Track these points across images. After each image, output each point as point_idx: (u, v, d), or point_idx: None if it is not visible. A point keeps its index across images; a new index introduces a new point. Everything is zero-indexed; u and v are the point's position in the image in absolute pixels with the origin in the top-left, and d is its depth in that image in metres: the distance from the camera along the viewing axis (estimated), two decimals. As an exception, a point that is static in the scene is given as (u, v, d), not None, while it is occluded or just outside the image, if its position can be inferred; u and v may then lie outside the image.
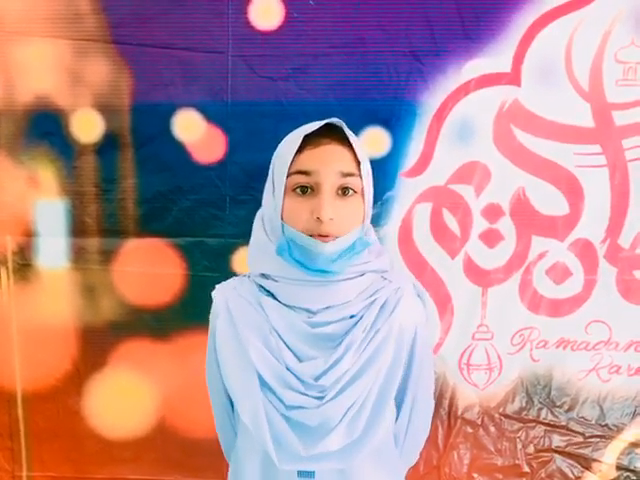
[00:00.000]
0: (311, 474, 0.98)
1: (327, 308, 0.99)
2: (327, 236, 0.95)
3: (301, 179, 0.96)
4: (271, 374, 0.96)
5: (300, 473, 0.98)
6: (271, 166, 1.04)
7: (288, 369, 0.96)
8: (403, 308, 1.02)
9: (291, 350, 0.98)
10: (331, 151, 0.97)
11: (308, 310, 0.99)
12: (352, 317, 0.99)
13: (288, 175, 0.96)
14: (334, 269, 0.96)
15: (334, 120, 0.99)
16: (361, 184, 0.99)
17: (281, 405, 0.95)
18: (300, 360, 0.97)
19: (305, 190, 0.96)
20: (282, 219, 0.98)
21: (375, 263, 1.04)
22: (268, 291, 1.02)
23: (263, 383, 0.96)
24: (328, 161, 0.96)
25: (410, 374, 1.06)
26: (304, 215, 0.95)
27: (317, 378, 0.95)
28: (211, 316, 1.08)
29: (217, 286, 1.09)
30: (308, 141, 0.96)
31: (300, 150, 0.96)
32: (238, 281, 1.09)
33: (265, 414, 0.95)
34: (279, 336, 0.98)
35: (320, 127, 0.97)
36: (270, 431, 0.94)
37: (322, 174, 0.95)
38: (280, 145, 1.03)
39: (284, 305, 1.00)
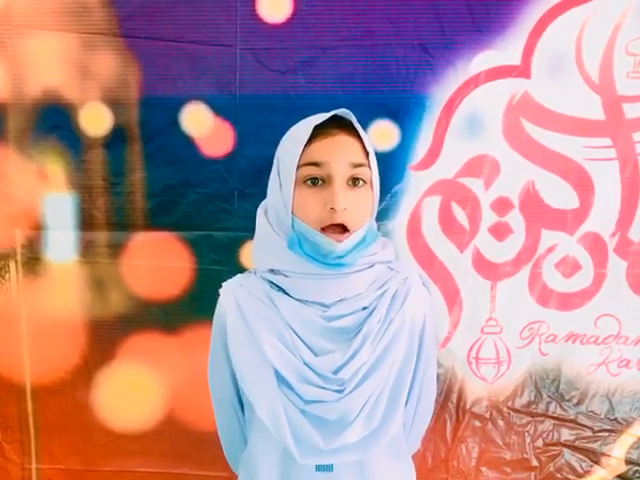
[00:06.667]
0: (329, 467, 0.98)
1: (340, 301, 0.99)
2: (340, 225, 0.95)
3: (312, 171, 0.95)
4: (288, 370, 0.96)
5: (318, 467, 0.98)
6: (276, 159, 1.03)
7: (305, 364, 0.96)
8: (413, 298, 1.02)
9: (307, 345, 0.98)
10: (341, 142, 0.97)
11: (322, 304, 0.99)
12: (364, 309, 1.00)
13: (298, 167, 0.96)
14: (347, 261, 0.96)
15: (342, 111, 0.98)
16: (370, 174, 0.99)
17: (299, 400, 0.95)
18: (316, 354, 0.97)
19: (316, 182, 0.96)
20: (292, 212, 0.97)
21: (382, 254, 1.05)
22: (279, 287, 1.02)
23: (280, 379, 0.96)
24: (338, 152, 0.96)
25: (419, 363, 1.07)
26: (317, 207, 0.95)
27: (336, 371, 0.95)
28: (215, 316, 1.07)
29: (223, 284, 1.08)
30: (316, 132, 0.96)
31: (308, 142, 0.95)
32: (244, 278, 1.08)
33: (284, 410, 0.95)
34: (294, 332, 0.98)
35: (327, 118, 0.97)
36: (289, 427, 0.94)
37: (333, 165, 0.95)
38: (285, 137, 1.03)
39: (296, 300, 0.99)
